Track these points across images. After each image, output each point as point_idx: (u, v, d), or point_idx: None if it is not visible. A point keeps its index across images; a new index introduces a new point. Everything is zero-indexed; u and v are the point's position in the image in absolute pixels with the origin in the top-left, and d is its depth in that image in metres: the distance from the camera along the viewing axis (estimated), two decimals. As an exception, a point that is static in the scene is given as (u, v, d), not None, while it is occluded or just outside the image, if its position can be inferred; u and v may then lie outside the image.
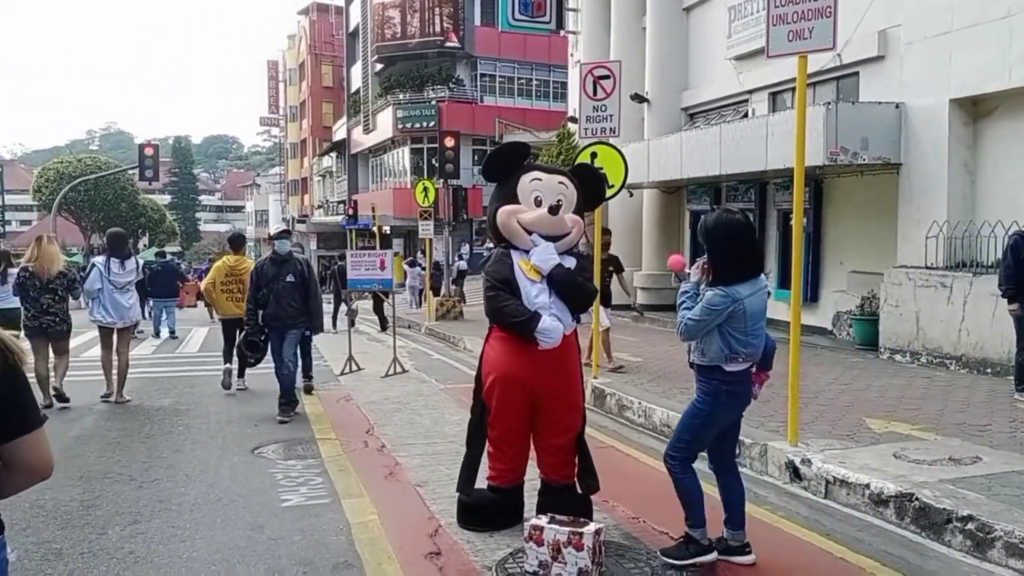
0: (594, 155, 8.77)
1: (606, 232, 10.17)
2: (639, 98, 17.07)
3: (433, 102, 36.00)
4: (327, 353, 13.81)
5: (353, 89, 45.58)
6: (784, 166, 10.74)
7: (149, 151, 23.86)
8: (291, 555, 4.43)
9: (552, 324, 4.45)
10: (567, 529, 4.00)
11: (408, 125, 36.19)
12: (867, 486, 5.15)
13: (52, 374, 8.90)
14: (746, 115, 14.83)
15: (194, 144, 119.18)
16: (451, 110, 35.28)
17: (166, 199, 79.10)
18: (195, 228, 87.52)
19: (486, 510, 4.80)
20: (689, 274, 4.28)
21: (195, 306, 24.97)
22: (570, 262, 4.67)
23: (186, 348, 15.46)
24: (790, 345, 6.10)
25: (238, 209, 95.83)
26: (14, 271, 9.33)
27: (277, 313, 8.40)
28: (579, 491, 4.81)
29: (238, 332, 9.63)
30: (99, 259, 9.39)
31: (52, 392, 8.81)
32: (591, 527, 4.04)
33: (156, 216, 54.55)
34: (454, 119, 33.90)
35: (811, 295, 13.42)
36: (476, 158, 35.11)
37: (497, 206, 4.73)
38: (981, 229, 9.89)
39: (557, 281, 4.55)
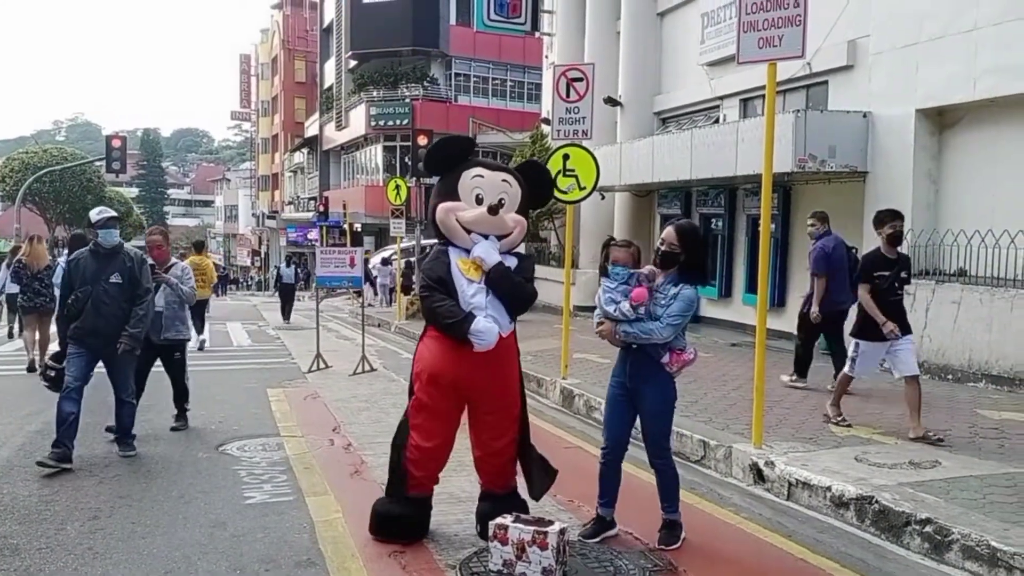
0: (566, 157, 8.80)
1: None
2: (612, 101, 17.15)
3: (407, 100, 35.88)
4: (295, 350, 13.73)
5: (326, 85, 45.27)
6: (753, 172, 10.85)
7: (117, 143, 23.51)
8: (253, 552, 4.39)
9: (486, 325, 4.32)
10: (532, 528, 4.01)
11: (381, 123, 36.04)
12: (828, 488, 5.22)
13: (37, 350, 10.87)
14: (717, 121, 14.95)
15: (163, 137, 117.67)
16: (425, 109, 35.17)
17: (134, 192, 78.05)
18: (163, 222, 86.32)
19: (406, 522, 4.59)
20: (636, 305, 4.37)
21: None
22: (511, 261, 4.55)
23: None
24: (756, 349, 6.16)
25: (207, 203, 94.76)
26: None
27: (95, 326, 6.23)
28: (523, 497, 4.71)
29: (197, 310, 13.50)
30: (62, 259, 11.20)
31: (40, 367, 10.15)
32: (555, 526, 4.05)
33: (123, 209, 53.64)
34: (428, 118, 33.77)
35: (778, 300, 13.54)
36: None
37: (436, 202, 4.58)
38: (944, 238, 10.06)
39: (495, 281, 4.44)
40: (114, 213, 6.68)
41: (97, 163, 36.70)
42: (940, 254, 10.18)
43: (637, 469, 6.27)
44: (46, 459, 5.88)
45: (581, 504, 5.18)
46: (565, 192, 8.86)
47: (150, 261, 7.24)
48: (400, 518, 4.57)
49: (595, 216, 18.16)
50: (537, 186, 4.89)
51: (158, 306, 7.28)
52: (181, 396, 7.76)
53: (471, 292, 4.41)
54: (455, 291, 4.41)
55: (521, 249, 4.80)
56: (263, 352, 14.09)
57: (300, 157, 52.37)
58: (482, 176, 4.57)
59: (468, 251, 4.49)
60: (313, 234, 44.48)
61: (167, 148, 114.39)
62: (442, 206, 4.53)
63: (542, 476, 4.77)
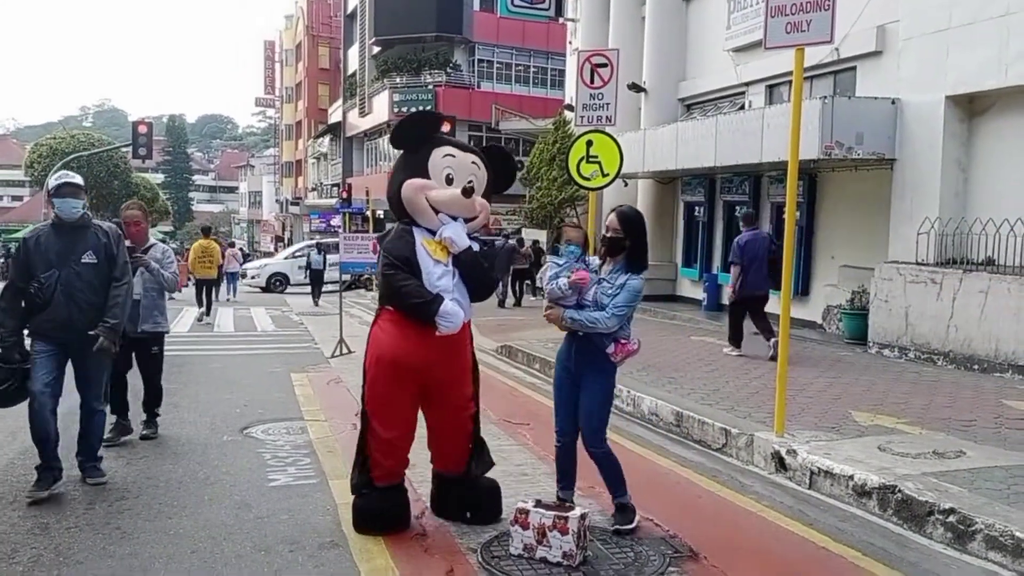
0: (590, 143, 8.76)
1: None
2: (636, 88, 17.05)
3: (430, 87, 35.85)
4: (318, 336, 13.84)
5: (350, 72, 45.34)
6: (779, 159, 10.76)
7: (143, 129, 23.71)
8: (277, 534, 4.45)
9: (454, 308, 4.24)
10: (552, 513, 4.04)
11: (404, 109, 35.93)
12: (851, 477, 5.19)
13: None
14: (742, 107, 14.83)
15: (188, 123, 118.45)
16: (448, 95, 35.13)
17: (159, 178, 78.61)
18: (188, 208, 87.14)
19: (390, 514, 4.50)
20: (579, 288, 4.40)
21: (187, 285, 25.08)
22: (475, 247, 4.48)
23: (176, 328, 15.43)
24: (779, 337, 6.13)
25: (232, 190, 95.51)
26: None
27: (69, 317, 5.06)
28: (474, 474, 4.70)
29: (205, 288, 17.35)
30: None
31: None
32: (576, 512, 4.07)
33: (149, 195, 54.16)
34: (451, 104, 33.77)
35: (802, 288, 13.47)
36: (471, 144, 34.87)
37: (403, 178, 4.41)
38: (972, 226, 9.93)
39: (465, 264, 4.37)
40: (76, 178, 5.27)
41: (124, 149, 37.10)
42: (968, 243, 10.05)
43: (656, 456, 6.30)
44: (35, 493, 4.95)
45: (602, 491, 5.17)
46: (588, 179, 8.84)
47: (127, 242, 6.17)
48: (381, 512, 4.48)
49: (618, 203, 18.04)
50: (501, 174, 4.81)
51: (135, 293, 6.19)
52: (154, 400, 6.83)
53: (438, 274, 4.32)
54: (420, 272, 4.30)
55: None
56: (287, 337, 14.22)
57: (323, 143, 52.56)
58: (453, 156, 4.46)
59: (432, 232, 4.39)
60: (336, 220, 44.72)
61: (192, 134, 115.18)
62: (411, 183, 4.38)
63: (482, 460, 4.77)
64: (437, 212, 4.39)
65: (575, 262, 4.47)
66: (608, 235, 4.45)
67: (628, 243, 4.42)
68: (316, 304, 21.28)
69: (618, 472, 4.56)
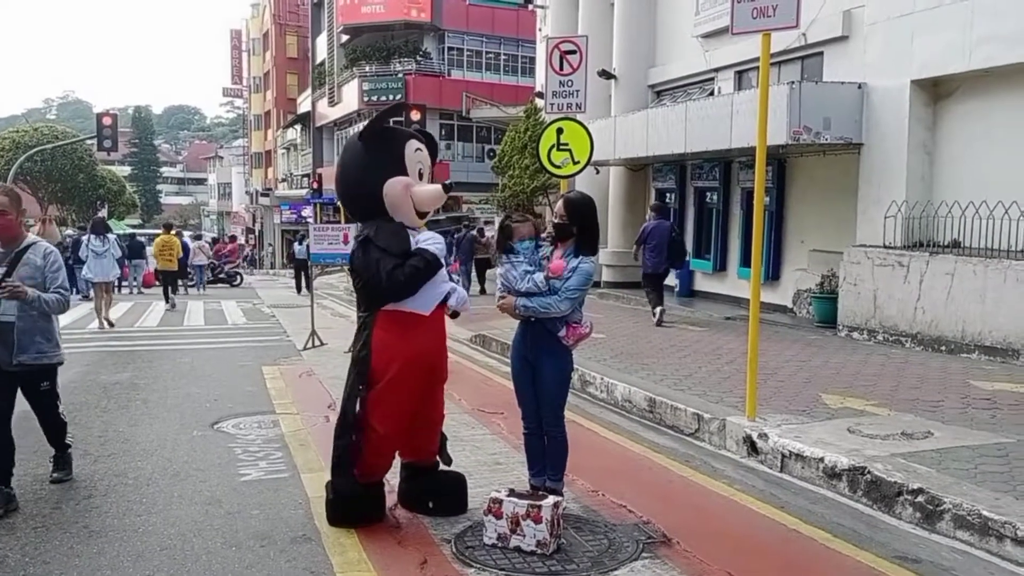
0: (560, 131, 8.75)
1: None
2: (606, 74, 17.03)
3: (400, 75, 35.59)
4: (289, 328, 13.72)
5: (318, 60, 44.87)
6: (748, 144, 10.80)
7: (108, 121, 23.25)
8: (248, 529, 4.41)
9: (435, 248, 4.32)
10: (526, 502, 4.03)
11: (374, 98, 35.71)
12: (821, 460, 5.24)
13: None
14: (712, 93, 14.87)
15: (155, 114, 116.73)
16: (418, 83, 34.90)
17: (126, 171, 77.32)
18: (156, 200, 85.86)
19: (369, 509, 4.48)
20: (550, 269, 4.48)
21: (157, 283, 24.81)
22: (442, 242, 4.47)
23: (146, 322, 15.25)
24: (750, 322, 6.17)
25: (200, 182, 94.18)
26: None
27: None
28: (442, 465, 4.75)
29: (168, 279, 18.61)
30: (84, 237, 13.05)
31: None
32: (550, 500, 4.07)
33: (115, 188, 53.29)
34: (421, 93, 33.55)
35: (772, 273, 13.56)
36: (443, 132, 34.91)
37: (385, 176, 4.31)
38: (939, 209, 10.05)
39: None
40: None
41: (88, 141, 36.37)
42: (934, 226, 10.18)
43: (630, 442, 6.33)
44: None
45: (576, 478, 5.19)
46: (559, 166, 8.83)
47: None
48: (360, 508, 4.45)
49: (590, 191, 17.96)
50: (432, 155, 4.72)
51: (6, 316, 4.74)
52: (57, 431, 5.35)
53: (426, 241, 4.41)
54: None
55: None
56: (258, 330, 14.07)
57: (293, 134, 52.01)
58: (421, 150, 4.49)
59: (410, 228, 4.39)
60: (307, 211, 44.31)
61: (159, 126, 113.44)
62: (397, 181, 4.32)
63: (444, 442, 4.81)
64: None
65: (533, 254, 4.52)
66: (555, 221, 4.54)
67: (575, 228, 4.48)
68: (300, 293, 21.79)
69: (564, 455, 4.65)
